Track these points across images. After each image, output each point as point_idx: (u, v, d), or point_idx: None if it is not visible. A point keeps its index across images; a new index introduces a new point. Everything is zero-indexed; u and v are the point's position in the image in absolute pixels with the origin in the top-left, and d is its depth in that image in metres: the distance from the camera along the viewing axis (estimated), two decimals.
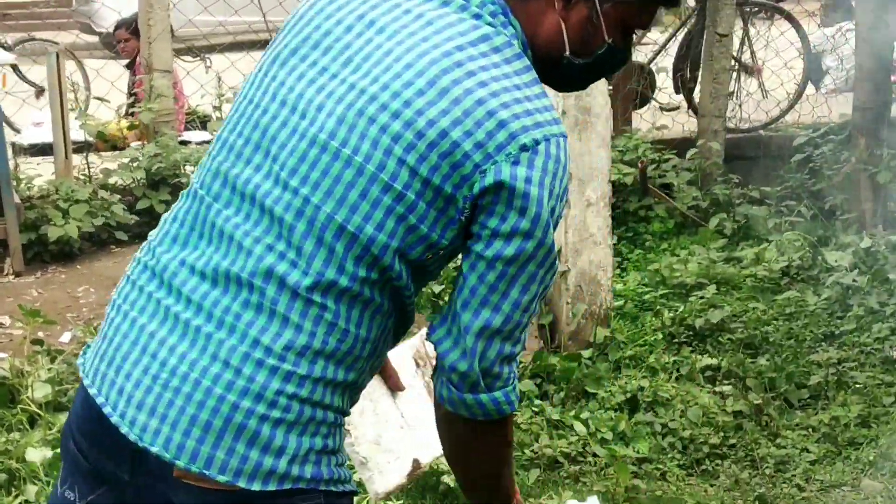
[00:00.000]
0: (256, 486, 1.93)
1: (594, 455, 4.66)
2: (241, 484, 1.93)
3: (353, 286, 1.91)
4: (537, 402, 4.92)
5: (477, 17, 1.99)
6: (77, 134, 7.20)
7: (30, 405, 4.63)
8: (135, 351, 1.95)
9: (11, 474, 4.27)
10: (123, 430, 1.92)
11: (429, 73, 1.91)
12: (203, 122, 8.99)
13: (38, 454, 4.29)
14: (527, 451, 4.61)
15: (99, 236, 6.62)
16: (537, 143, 1.90)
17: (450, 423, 2.15)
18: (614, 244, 5.60)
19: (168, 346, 1.93)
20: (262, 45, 11.26)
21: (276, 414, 1.91)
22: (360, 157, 1.89)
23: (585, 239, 5.24)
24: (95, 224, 6.54)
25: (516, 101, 1.92)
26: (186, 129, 8.77)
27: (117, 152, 7.54)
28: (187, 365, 1.91)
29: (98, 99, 8.26)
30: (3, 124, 6.45)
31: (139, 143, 7.80)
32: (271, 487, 1.94)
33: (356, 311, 1.94)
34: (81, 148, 7.28)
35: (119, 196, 6.80)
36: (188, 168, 6.96)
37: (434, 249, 1.95)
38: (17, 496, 4.17)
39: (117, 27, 10.85)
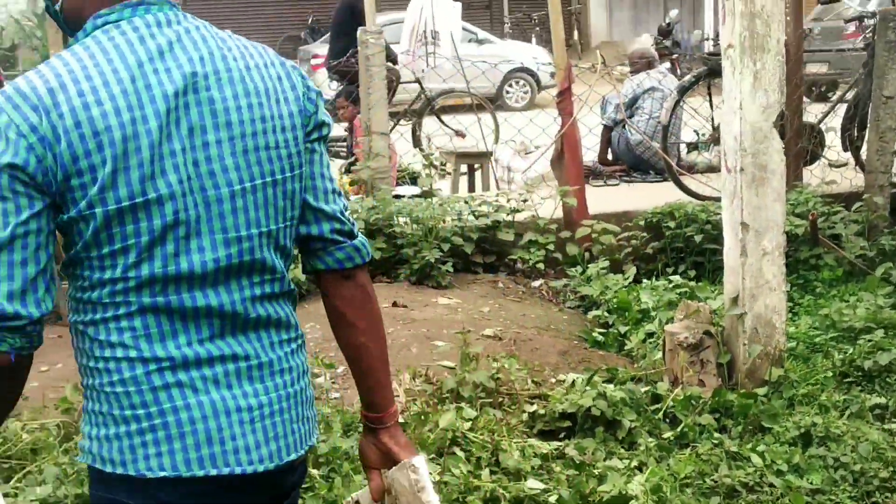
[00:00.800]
0: (316, 435, 2.37)
1: (771, 485, 4.53)
2: (315, 438, 2.34)
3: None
4: (717, 435, 4.82)
5: (177, 23, 2.11)
6: None
7: None
8: (221, 418, 2.09)
9: None
10: (260, 468, 2.13)
11: (249, 89, 2.10)
12: (413, 179, 9.11)
13: None
14: (707, 479, 4.52)
15: None
16: (293, 67, 2.28)
17: (364, 293, 2.37)
18: (787, 290, 5.49)
19: (241, 392, 2.12)
20: (465, 108, 11.49)
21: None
22: (269, 176, 2.12)
23: (761, 285, 5.15)
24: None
25: (266, 50, 2.26)
26: (398, 184, 8.89)
27: None
28: (263, 393, 2.15)
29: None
30: None
31: (359, 196, 7.94)
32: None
33: None
34: None
35: None
36: (401, 219, 7.04)
37: None
38: None
39: (337, 96, 11.12)
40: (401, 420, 4.76)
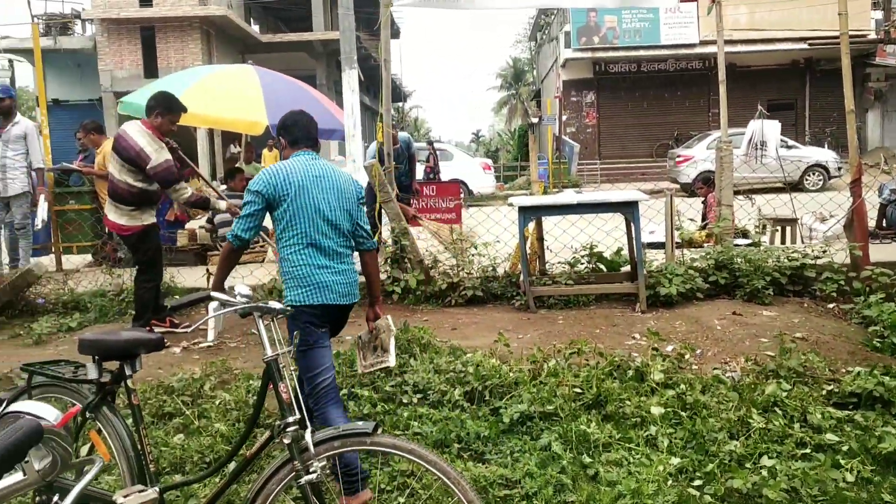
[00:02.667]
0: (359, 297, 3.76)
1: None
2: (357, 298, 3.72)
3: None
4: None
5: (315, 158, 3.80)
6: (665, 237, 7.25)
7: (651, 382, 4.69)
8: (331, 286, 3.60)
9: (640, 419, 4.34)
10: (342, 302, 3.63)
11: (339, 178, 3.74)
12: (744, 234, 8.67)
13: (657, 409, 4.33)
14: None
15: (686, 294, 6.55)
16: (350, 175, 3.89)
17: (375, 258, 3.93)
18: None
19: (337, 278, 3.62)
20: (775, 190, 10.82)
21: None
22: (346, 205, 3.70)
23: None
24: (685, 287, 6.50)
25: (340, 169, 3.87)
26: (735, 237, 8.51)
27: (698, 249, 7.49)
28: (342, 278, 3.64)
29: (690, 220, 8.25)
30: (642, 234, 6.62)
31: (710, 244, 7.71)
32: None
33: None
34: (678, 245, 7.32)
35: (698, 273, 6.74)
36: (738, 259, 6.75)
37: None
38: (645, 430, 4.24)
39: (695, 180, 10.78)
40: (736, 387, 4.60)
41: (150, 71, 26.61)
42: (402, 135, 9.05)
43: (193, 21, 26.99)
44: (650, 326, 5.78)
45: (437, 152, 19.82)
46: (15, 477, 1.59)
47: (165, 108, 5.89)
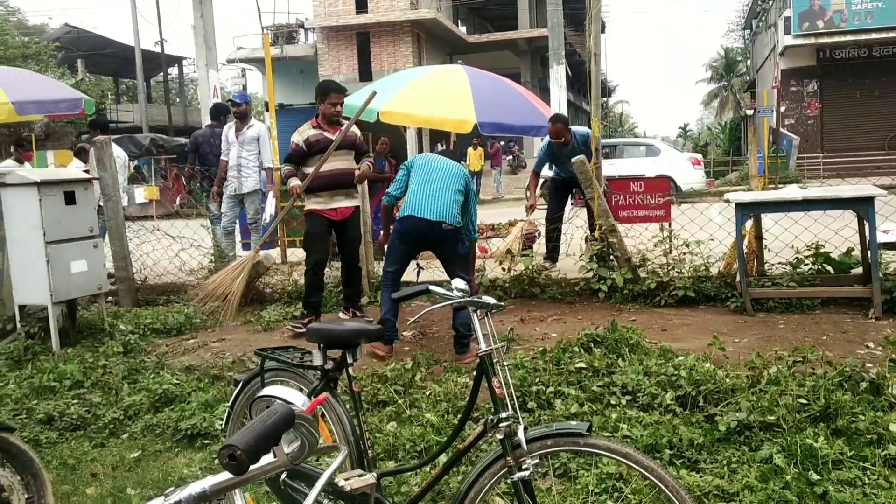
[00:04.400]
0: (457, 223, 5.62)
1: None
2: (455, 223, 5.58)
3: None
4: None
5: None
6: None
7: (889, 396, 4.23)
8: (426, 200, 5.54)
9: (877, 436, 3.92)
10: (433, 218, 5.46)
11: (451, 166, 5.73)
12: None
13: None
14: None
15: None
16: (460, 165, 5.96)
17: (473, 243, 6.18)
18: None
19: (438, 190, 5.58)
20: None
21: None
22: (454, 186, 5.63)
23: None
24: None
25: (455, 164, 5.88)
26: None
27: None
28: (436, 198, 5.55)
29: None
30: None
31: None
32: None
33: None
34: None
35: None
36: None
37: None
38: (883, 449, 3.84)
39: None
40: None
41: (365, 75, 28.03)
42: (583, 129, 8.84)
43: (405, 25, 28.08)
44: (887, 335, 5.25)
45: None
46: (267, 458, 1.70)
47: (321, 94, 6.44)
